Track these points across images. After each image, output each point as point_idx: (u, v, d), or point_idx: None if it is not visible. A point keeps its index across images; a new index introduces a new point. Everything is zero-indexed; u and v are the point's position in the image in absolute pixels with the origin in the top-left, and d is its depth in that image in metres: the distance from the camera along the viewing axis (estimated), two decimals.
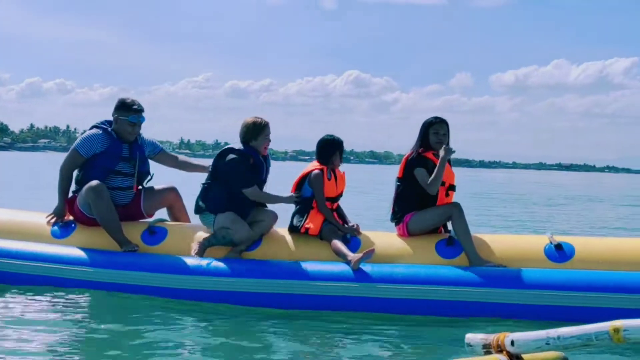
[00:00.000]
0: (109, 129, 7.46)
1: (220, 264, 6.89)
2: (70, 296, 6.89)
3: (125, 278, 6.96)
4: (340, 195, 7.38)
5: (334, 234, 7.03)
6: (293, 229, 7.23)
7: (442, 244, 6.94)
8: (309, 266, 6.79)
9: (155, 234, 7.35)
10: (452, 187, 7.19)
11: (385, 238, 7.13)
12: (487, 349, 3.93)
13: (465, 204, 7.21)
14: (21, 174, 44.19)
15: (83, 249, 7.24)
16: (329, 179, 7.23)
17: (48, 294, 6.91)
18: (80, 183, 7.40)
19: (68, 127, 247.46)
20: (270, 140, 7.32)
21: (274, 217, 7.22)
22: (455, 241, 6.91)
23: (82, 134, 7.71)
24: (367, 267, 6.69)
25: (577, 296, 6.38)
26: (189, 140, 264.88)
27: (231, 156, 7.13)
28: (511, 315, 6.39)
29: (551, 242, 6.83)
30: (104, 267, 7.03)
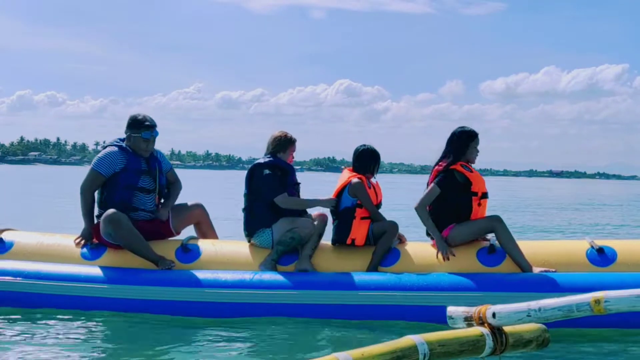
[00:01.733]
0: (124, 145, 7.38)
1: (278, 277, 6.84)
2: (100, 319, 6.76)
3: (185, 295, 6.82)
4: (380, 204, 7.27)
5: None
6: (337, 241, 7.15)
7: (484, 252, 6.93)
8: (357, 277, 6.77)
9: (189, 251, 7.24)
10: (484, 195, 7.11)
11: (424, 248, 7.10)
12: (469, 321, 3.95)
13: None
14: (10, 187, 43.85)
15: (119, 268, 7.13)
16: (370, 188, 7.17)
17: (84, 318, 6.78)
18: (104, 205, 7.27)
19: (58, 139, 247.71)
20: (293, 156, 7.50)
21: (323, 218, 7.19)
22: (496, 249, 6.90)
23: (97, 153, 7.61)
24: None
25: None
26: (179, 151, 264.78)
27: (259, 171, 7.18)
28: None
29: (592, 247, 6.85)
30: (150, 284, 6.90)
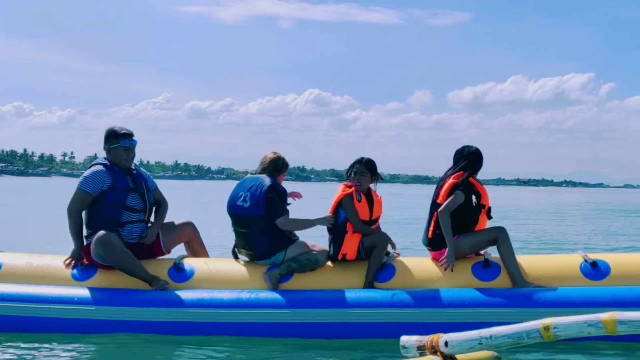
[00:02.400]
0: (108, 163, 7.30)
1: (275, 296, 6.79)
2: (92, 342, 6.65)
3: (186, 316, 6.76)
4: (376, 219, 7.25)
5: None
6: (330, 257, 7.14)
7: (479, 267, 6.97)
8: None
9: (182, 270, 7.19)
10: (489, 209, 7.21)
11: (420, 263, 7.13)
12: (421, 350, 4.04)
13: None
14: None
15: (112, 289, 7.04)
16: (359, 201, 7.13)
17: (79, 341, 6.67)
18: (93, 224, 7.20)
19: (25, 150, 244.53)
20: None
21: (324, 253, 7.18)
22: (491, 263, 6.95)
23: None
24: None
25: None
26: (148, 162, 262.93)
27: (276, 191, 7.15)
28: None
29: (586, 260, 6.91)
30: (148, 305, 6.83)
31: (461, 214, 7.00)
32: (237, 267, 7.25)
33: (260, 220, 7.09)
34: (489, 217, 7.17)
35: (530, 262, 7.03)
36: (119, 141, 7.26)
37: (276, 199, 7.08)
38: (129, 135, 7.31)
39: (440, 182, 7.21)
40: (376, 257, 6.97)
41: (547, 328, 3.77)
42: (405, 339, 4.19)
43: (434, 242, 7.10)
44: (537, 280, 6.82)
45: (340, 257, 7.07)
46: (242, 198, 7.19)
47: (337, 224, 7.11)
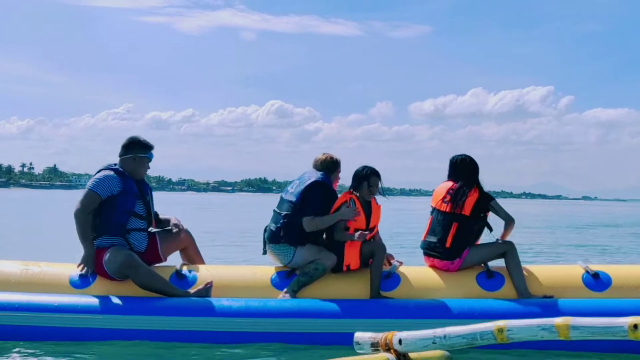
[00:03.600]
0: (120, 170, 7.29)
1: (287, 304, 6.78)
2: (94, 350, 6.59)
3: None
4: (374, 227, 7.27)
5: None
6: (335, 269, 7.14)
7: (483, 277, 7.07)
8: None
9: (184, 277, 7.18)
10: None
11: (425, 273, 7.19)
12: (375, 347, 4.02)
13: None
14: None
15: (122, 297, 6.95)
16: (354, 209, 7.12)
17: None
18: (100, 229, 7.15)
19: None
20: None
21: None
22: (494, 273, 7.07)
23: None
24: None
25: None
26: None
27: (327, 185, 7.26)
28: (566, 346, 6.31)
29: (587, 272, 7.02)
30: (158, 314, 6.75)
31: (474, 226, 7.19)
32: (240, 273, 7.28)
33: (291, 205, 7.20)
34: (490, 229, 7.29)
35: (532, 272, 7.12)
36: (146, 152, 7.35)
37: (317, 196, 7.16)
38: (153, 148, 7.43)
39: (458, 193, 7.21)
40: (376, 266, 7.00)
41: (500, 330, 3.77)
42: (359, 335, 4.20)
43: (451, 252, 7.13)
44: (540, 290, 6.93)
45: (345, 268, 7.10)
46: (293, 185, 7.39)
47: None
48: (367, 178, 7.22)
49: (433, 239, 7.26)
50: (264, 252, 7.42)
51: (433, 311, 6.67)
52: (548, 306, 6.66)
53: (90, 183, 7.22)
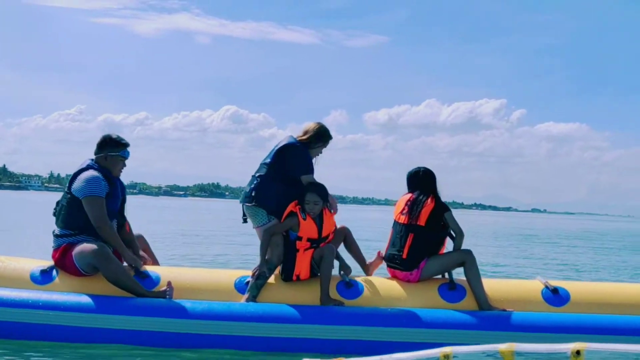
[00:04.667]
0: (101, 169, 7.17)
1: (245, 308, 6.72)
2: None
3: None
4: (326, 237, 7.22)
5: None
6: (286, 278, 7.13)
7: (445, 289, 7.11)
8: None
9: (147, 277, 7.07)
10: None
11: (388, 284, 7.19)
12: None
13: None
14: None
15: (88, 295, 6.81)
16: (304, 219, 7.10)
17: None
18: (81, 228, 7.01)
19: None
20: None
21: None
22: (456, 285, 7.11)
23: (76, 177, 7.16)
24: None
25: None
26: (58, 174, 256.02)
27: (298, 146, 7.26)
28: None
29: (547, 287, 7.15)
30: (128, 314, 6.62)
31: (434, 237, 7.23)
32: (202, 275, 7.25)
33: (268, 167, 7.25)
34: (453, 239, 7.30)
35: (493, 285, 7.22)
36: (119, 150, 7.21)
37: (290, 156, 7.20)
38: (128, 145, 7.30)
39: (414, 204, 7.28)
40: (325, 269, 6.95)
41: (446, 357, 3.75)
42: None
43: (408, 263, 7.18)
44: (500, 303, 7.01)
45: (294, 277, 7.09)
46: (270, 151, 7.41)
47: (289, 243, 7.12)
48: (303, 195, 7.15)
49: (393, 251, 7.34)
50: (244, 221, 7.45)
51: (389, 320, 6.68)
52: (507, 319, 6.75)
53: (87, 188, 7.00)
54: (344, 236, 7.36)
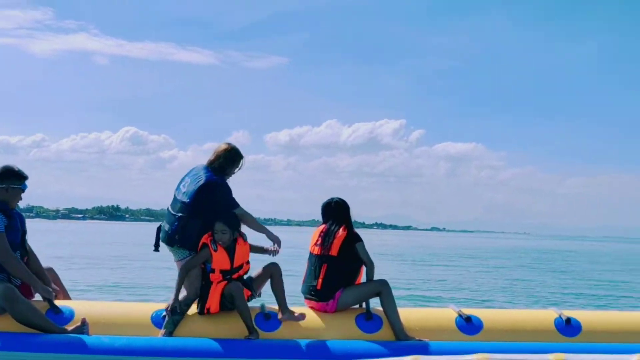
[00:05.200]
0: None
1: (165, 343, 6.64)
2: None
3: None
4: (239, 267, 7.15)
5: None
6: (200, 311, 7.08)
7: (362, 319, 7.16)
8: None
9: (60, 312, 6.91)
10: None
11: (307, 315, 7.15)
12: None
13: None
14: None
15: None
16: (215, 250, 7.02)
17: None
18: None
19: None
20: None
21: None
22: (373, 315, 7.16)
23: None
24: None
25: None
26: None
27: (219, 184, 7.16)
28: None
29: (460, 315, 7.28)
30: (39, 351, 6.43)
31: (348, 267, 7.25)
32: (119, 310, 7.13)
33: (184, 207, 7.14)
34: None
35: (409, 315, 7.29)
36: (21, 183, 7.05)
37: (210, 197, 7.09)
38: (27, 178, 7.15)
39: (327, 235, 7.33)
40: (240, 305, 6.90)
41: None
42: None
43: (322, 293, 7.22)
44: (416, 333, 7.10)
45: (205, 311, 7.01)
46: (184, 183, 7.29)
47: (206, 276, 7.07)
48: (213, 227, 7.10)
49: (309, 282, 7.37)
50: (156, 249, 7.36)
51: (306, 351, 6.70)
52: (424, 349, 6.83)
53: None
54: (270, 275, 7.24)
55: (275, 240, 7.25)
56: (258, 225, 7.31)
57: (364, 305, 7.31)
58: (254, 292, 7.20)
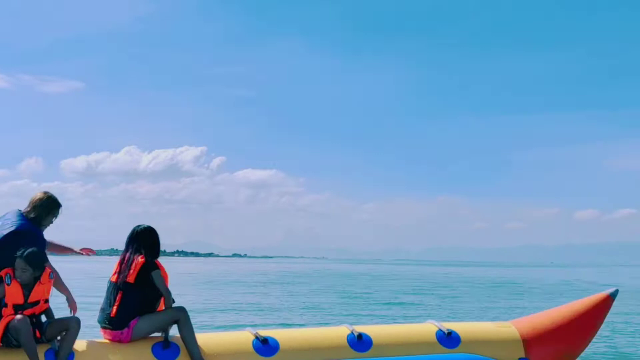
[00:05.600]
0: None
1: None
2: None
3: None
4: (35, 303, 6.85)
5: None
6: None
7: (159, 348, 7.04)
8: None
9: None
10: None
11: (98, 346, 7.00)
12: None
13: None
14: None
15: None
16: (9, 284, 6.76)
17: None
18: None
19: None
20: None
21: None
22: (171, 343, 7.08)
23: None
24: None
25: None
26: None
27: (31, 233, 6.95)
28: None
29: (257, 337, 7.34)
30: None
31: (145, 296, 7.15)
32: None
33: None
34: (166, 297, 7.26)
35: (207, 340, 7.28)
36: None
37: (14, 247, 6.80)
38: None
39: (127, 262, 7.23)
40: (25, 343, 6.57)
41: None
42: None
43: (117, 322, 7.07)
44: (214, 358, 7.09)
45: None
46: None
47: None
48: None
49: (105, 311, 7.20)
50: None
51: None
52: None
53: None
54: (67, 328, 6.82)
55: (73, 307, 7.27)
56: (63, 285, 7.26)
57: (163, 333, 7.22)
58: (44, 336, 6.82)
